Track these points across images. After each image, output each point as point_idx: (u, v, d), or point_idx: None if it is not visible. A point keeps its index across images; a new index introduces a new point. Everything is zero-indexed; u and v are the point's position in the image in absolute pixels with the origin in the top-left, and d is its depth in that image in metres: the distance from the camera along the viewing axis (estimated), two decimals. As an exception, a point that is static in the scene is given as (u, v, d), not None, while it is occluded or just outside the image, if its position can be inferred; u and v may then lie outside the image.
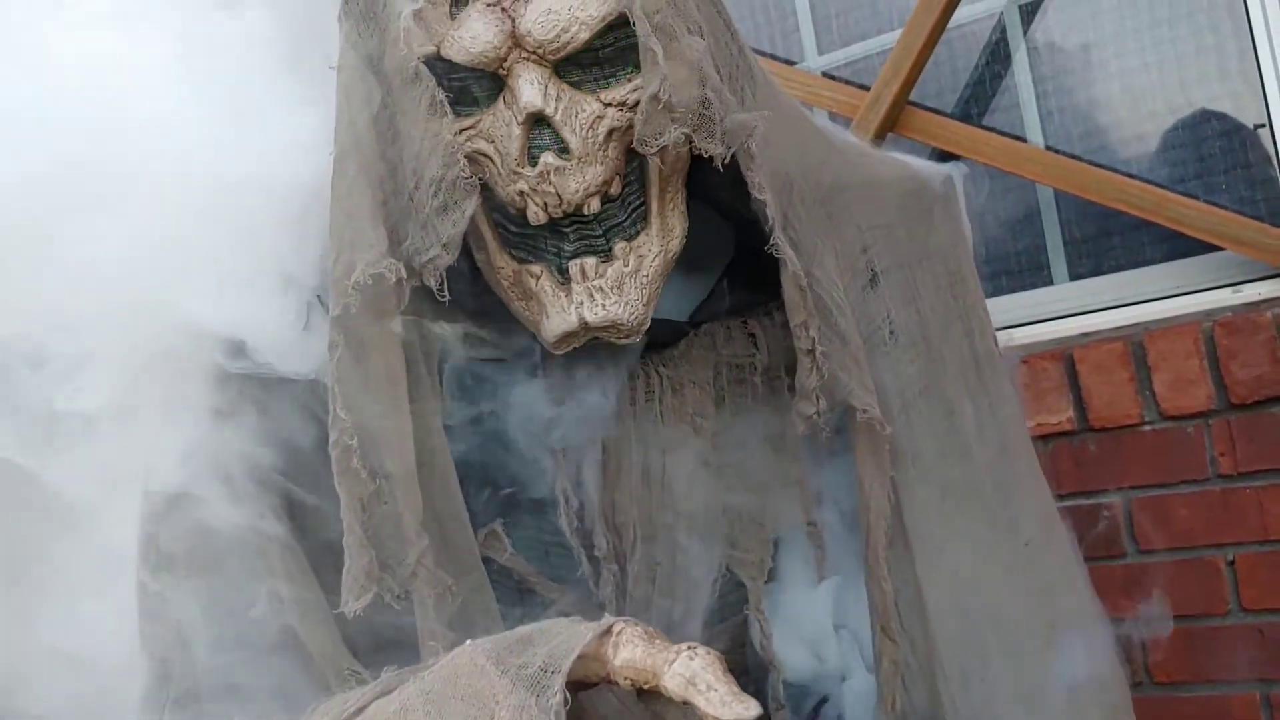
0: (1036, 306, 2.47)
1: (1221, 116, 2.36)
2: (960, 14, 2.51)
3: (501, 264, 1.07)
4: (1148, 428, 2.24)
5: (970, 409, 1.20)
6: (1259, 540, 2.16)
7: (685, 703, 0.85)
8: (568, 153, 1.01)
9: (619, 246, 1.05)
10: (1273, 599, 2.15)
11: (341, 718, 0.94)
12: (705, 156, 1.04)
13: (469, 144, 1.03)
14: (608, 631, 0.89)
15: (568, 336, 1.05)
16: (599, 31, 1.00)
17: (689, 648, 0.86)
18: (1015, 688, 1.15)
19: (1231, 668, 2.19)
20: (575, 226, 1.04)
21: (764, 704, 1.14)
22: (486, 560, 1.10)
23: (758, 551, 1.18)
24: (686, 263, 1.12)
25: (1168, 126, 2.42)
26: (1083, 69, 2.51)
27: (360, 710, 0.94)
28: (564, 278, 1.05)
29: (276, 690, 1.02)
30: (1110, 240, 2.47)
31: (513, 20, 1.00)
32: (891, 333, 1.17)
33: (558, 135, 1.01)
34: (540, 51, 1.00)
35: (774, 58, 2.75)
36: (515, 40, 1.00)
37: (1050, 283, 2.53)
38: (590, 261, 1.04)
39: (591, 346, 1.08)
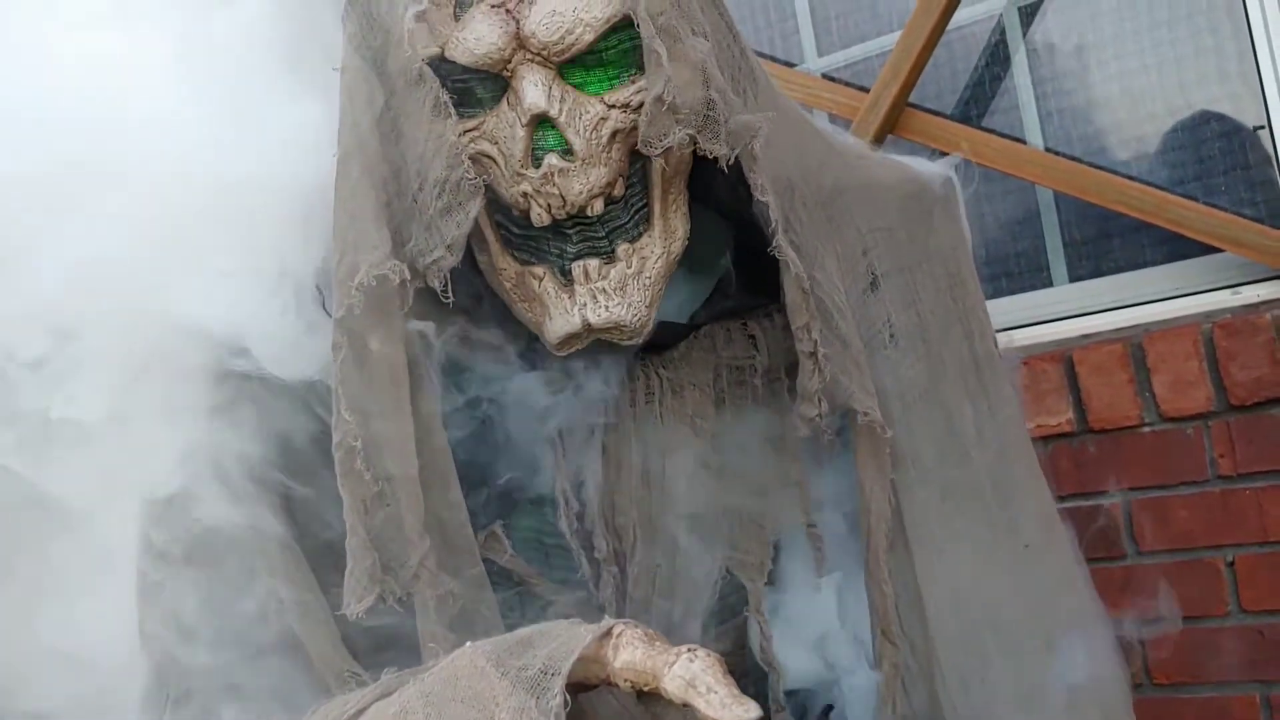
0: (1036, 308, 2.48)
1: (1221, 118, 2.37)
2: (960, 16, 2.51)
3: (504, 265, 1.07)
4: (1147, 429, 2.24)
5: (970, 411, 1.20)
6: (1259, 541, 2.16)
7: (685, 705, 0.85)
8: (571, 154, 1.01)
9: (622, 248, 1.05)
10: (1272, 600, 2.15)
11: (341, 719, 0.94)
12: (709, 158, 1.04)
13: (472, 145, 1.03)
14: (608, 633, 0.89)
15: (571, 338, 1.05)
16: (603, 33, 1.00)
17: (689, 650, 0.86)
18: (1015, 690, 1.15)
19: (1231, 669, 2.19)
20: (578, 228, 1.04)
21: (764, 706, 1.14)
22: (486, 562, 1.10)
23: (758, 553, 1.18)
24: (686, 265, 1.12)
25: (1167, 128, 2.43)
26: (1082, 71, 2.51)
27: (360, 712, 0.94)
28: (567, 279, 1.05)
29: (276, 691, 1.02)
30: (1110, 242, 2.47)
31: (517, 22, 1.00)
32: (892, 336, 1.17)
33: (561, 137, 1.01)
34: (544, 53, 1.00)
35: (774, 59, 2.75)
36: (519, 42, 1.00)
37: (1050, 284, 2.53)
38: (593, 263, 1.04)
39: (591, 348, 1.08)
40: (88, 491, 1.09)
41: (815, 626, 1.17)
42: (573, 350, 1.07)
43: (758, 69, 1.11)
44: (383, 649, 1.03)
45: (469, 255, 1.07)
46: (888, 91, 2.48)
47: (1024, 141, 2.54)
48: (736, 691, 0.84)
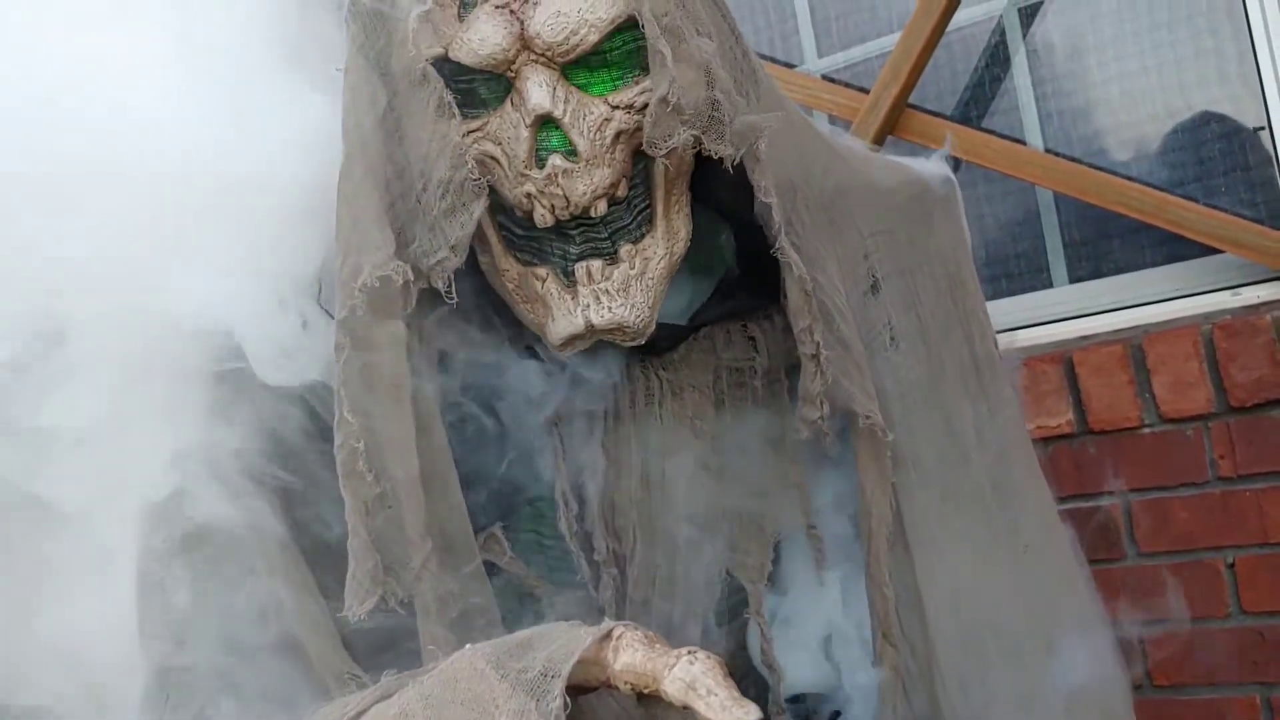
0: (1036, 309, 2.48)
1: (1221, 119, 2.36)
2: (959, 17, 2.51)
3: (506, 266, 1.07)
4: (1147, 430, 2.24)
5: (970, 413, 1.20)
6: (1259, 543, 2.16)
7: (685, 707, 0.85)
8: (575, 155, 1.01)
9: (625, 249, 1.05)
10: (1273, 601, 2.15)
11: (341, 721, 0.94)
12: (715, 159, 1.04)
13: (475, 146, 1.03)
14: (608, 636, 0.89)
15: (574, 339, 1.05)
16: (607, 34, 1.00)
17: (689, 652, 0.86)
18: (1015, 692, 1.15)
19: (1232, 670, 2.19)
20: (581, 229, 1.04)
21: (764, 708, 1.14)
22: (486, 563, 1.10)
23: (758, 555, 1.18)
24: (687, 266, 1.12)
25: (1167, 129, 2.43)
26: (1082, 72, 2.51)
27: (360, 714, 0.94)
28: (570, 280, 1.05)
29: (276, 693, 1.01)
30: (1110, 243, 2.47)
31: (521, 22, 1.00)
32: (892, 338, 1.17)
33: (565, 138, 1.01)
34: (549, 54, 1.00)
35: (774, 60, 2.75)
36: (524, 42, 1.00)
37: (1050, 285, 2.53)
38: (596, 264, 1.04)
39: (592, 349, 1.08)
40: (85, 491, 1.08)
41: (816, 628, 1.17)
42: (575, 351, 1.07)
43: (760, 70, 1.11)
44: (382, 650, 1.03)
45: (470, 256, 1.07)
46: (888, 93, 2.48)
47: (1024, 142, 2.53)
48: (737, 694, 0.84)
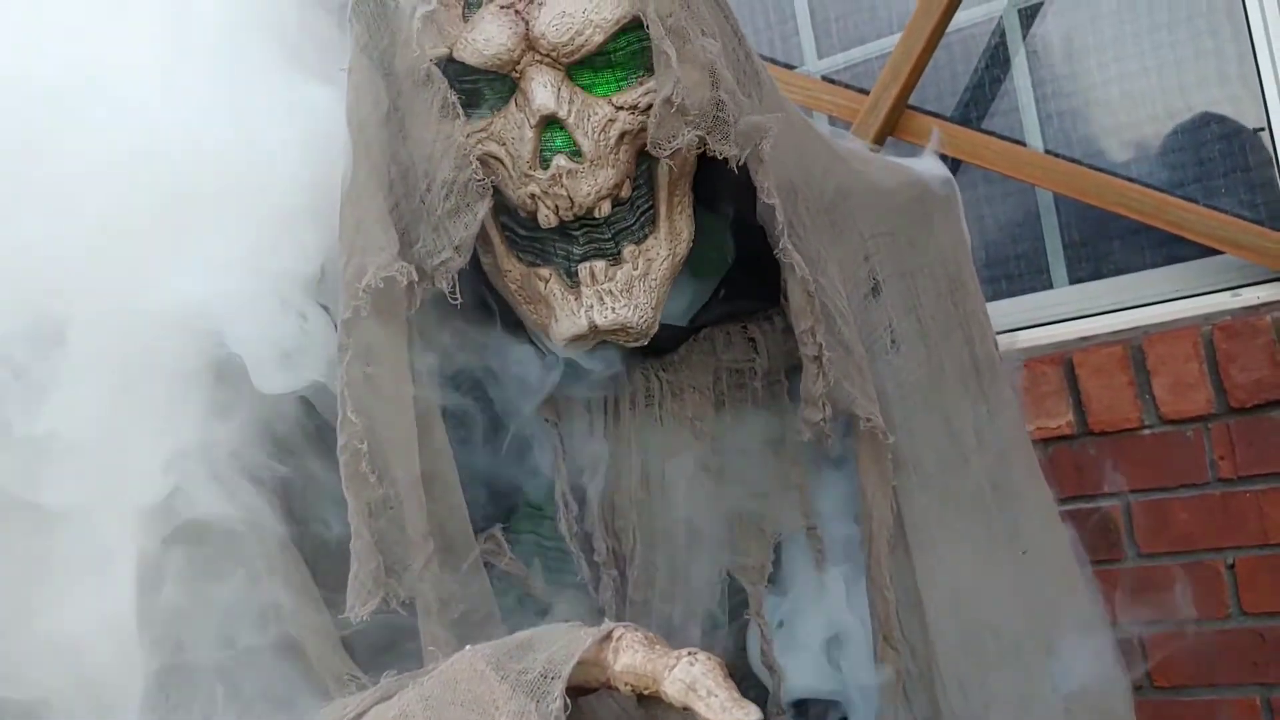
0: (1036, 310, 2.48)
1: (1221, 120, 2.37)
2: (959, 18, 2.51)
3: (509, 267, 1.07)
4: (1147, 431, 2.24)
5: (970, 416, 1.20)
6: (1259, 544, 2.16)
7: (686, 708, 0.85)
8: (580, 156, 1.01)
9: (628, 250, 1.05)
10: (1273, 602, 2.15)
11: (341, 723, 0.94)
12: (715, 160, 1.04)
13: (479, 146, 1.03)
14: (608, 637, 0.88)
15: (577, 340, 1.05)
16: (612, 35, 1.00)
17: (689, 653, 0.86)
18: (1014, 695, 1.15)
19: (1232, 671, 2.19)
20: (584, 230, 1.04)
21: (764, 710, 1.14)
22: (486, 565, 1.10)
23: (758, 556, 1.18)
24: (687, 268, 1.12)
25: (1167, 130, 2.43)
26: (1082, 73, 2.52)
27: (360, 715, 0.94)
28: (573, 281, 1.05)
29: (276, 694, 1.01)
30: (1110, 244, 2.47)
31: (526, 23, 1.00)
32: (893, 341, 1.17)
33: (570, 138, 1.01)
34: (554, 54, 1.00)
35: (773, 62, 2.75)
36: (529, 43, 1.00)
37: (1050, 286, 2.53)
38: (599, 265, 1.04)
39: (591, 350, 1.08)
40: (83, 490, 1.08)
41: (816, 630, 1.17)
42: (578, 352, 1.07)
43: (762, 71, 1.11)
44: (382, 651, 1.03)
45: (472, 257, 1.07)
46: (887, 94, 2.48)
47: (1024, 144, 2.54)
48: (737, 695, 0.84)
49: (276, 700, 1.01)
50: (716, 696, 0.83)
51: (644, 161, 1.05)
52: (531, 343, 1.12)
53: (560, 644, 0.88)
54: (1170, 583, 2.19)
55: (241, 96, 1.07)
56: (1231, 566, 2.19)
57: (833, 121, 2.62)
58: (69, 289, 1.05)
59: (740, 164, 1.04)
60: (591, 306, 1.03)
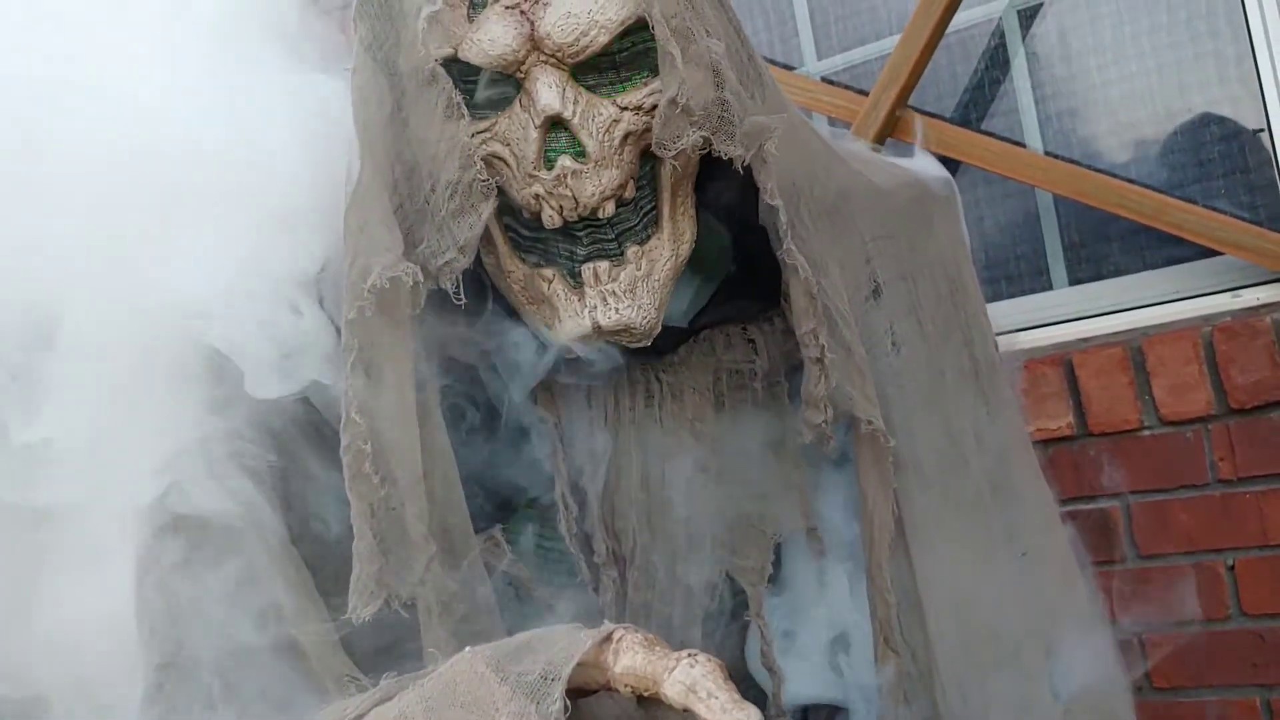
0: (1036, 311, 2.48)
1: (1221, 121, 2.37)
2: (959, 19, 2.51)
3: (512, 268, 1.07)
4: (1147, 433, 2.24)
5: (970, 419, 1.19)
6: (1259, 545, 2.16)
7: (686, 710, 0.84)
8: (584, 156, 1.01)
9: (631, 250, 1.05)
10: (1273, 604, 2.15)
11: (340, 724, 0.94)
12: (715, 162, 1.04)
13: (483, 147, 1.03)
14: (608, 638, 0.88)
15: (580, 340, 1.05)
16: (617, 35, 1.00)
17: (689, 655, 0.86)
18: (1014, 697, 1.14)
19: (1232, 672, 2.19)
20: (588, 230, 1.04)
21: (764, 711, 1.14)
22: (486, 566, 1.10)
23: (758, 558, 1.18)
24: (687, 269, 1.11)
25: (1167, 131, 2.43)
26: (1081, 74, 2.52)
27: (359, 717, 0.94)
28: (576, 282, 1.05)
29: (276, 695, 1.01)
30: (1109, 245, 2.47)
31: (531, 23, 1.00)
32: (894, 344, 1.16)
33: (575, 139, 1.01)
34: (559, 55, 1.00)
35: (773, 63, 2.75)
36: (534, 43, 1.00)
37: (1049, 288, 2.53)
38: (603, 265, 1.04)
39: (591, 351, 1.08)
40: (81, 490, 1.08)
41: (816, 632, 1.17)
42: (580, 353, 1.07)
43: (765, 72, 1.11)
44: (382, 653, 1.03)
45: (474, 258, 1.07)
46: (887, 95, 2.48)
47: (1023, 145, 2.54)
48: (737, 696, 0.83)
49: (276, 701, 1.01)
50: (717, 698, 0.83)
51: (647, 162, 1.05)
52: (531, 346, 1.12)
53: (560, 646, 0.88)
54: (1170, 584, 2.19)
55: (240, 96, 1.07)
56: (1231, 568, 2.19)
57: (832, 122, 2.62)
58: (65, 288, 1.05)
59: (744, 165, 1.04)
60: (595, 307, 1.03)
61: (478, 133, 1.02)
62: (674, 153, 1.02)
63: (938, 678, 1.12)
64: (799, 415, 1.10)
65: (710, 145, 1.02)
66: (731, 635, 1.18)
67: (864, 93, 2.59)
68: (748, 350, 1.18)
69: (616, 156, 1.02)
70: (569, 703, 0.85)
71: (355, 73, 1.05)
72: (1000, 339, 1.30)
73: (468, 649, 0.92)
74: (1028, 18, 2.56)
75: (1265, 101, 2.27)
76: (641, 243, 1.05)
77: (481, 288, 1.10)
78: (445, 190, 1.02)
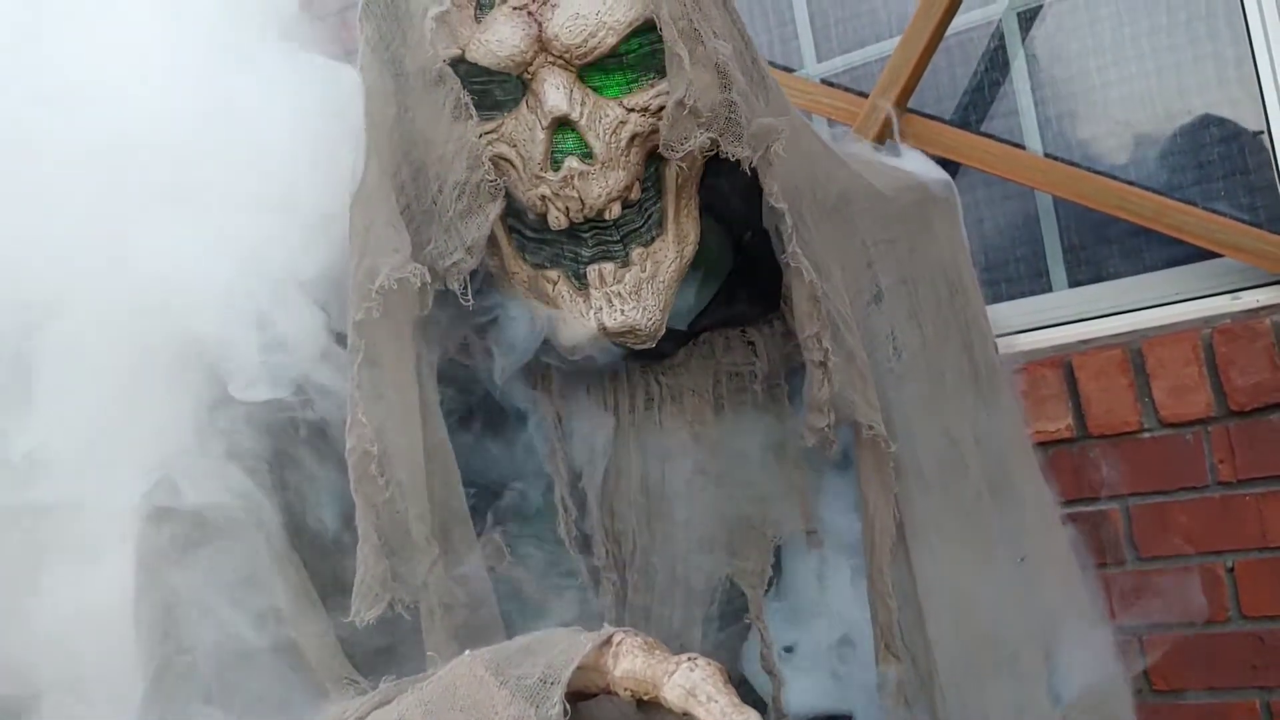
0: (1035, 313, 2.48)
1: (1220, 123, 2.37)
2: (958, 21, 2.51)
3: (516, 269, 1.07)
4: (1147, 435, 2.24)
5: (969, 423, 1.19)
6: (1258, 547, 2.16)
7: (685, 714, 0.84)
8: (591, 158, 1.01)
9: (636, 252, 1.05)
10: (1272, 606, 2.15)
11: (339, 727, 0.94)
12: (721, 163, 1.04)
13: (489, 148, 1.02)
14: (607, 642, 0.88)
15: (585, 342, 1.05)
16: (624, 37, 1.00)
17: (689, 659, 0.86)
18: (1014, 701, 1.14)
19: (1231, 674, 2.19)
20: (593, 232, 1.04)
21: (764, 715, 1.14)
22: (486, 569, 1.09)
23: (758, 560, 1.17)
24: (688, 271, 1.11)
25: (1166, 133, 2.43)
26: (1081, 76, 2.52)
27: (358, 720, 0.94)
28: (581, 283, 1.05)
29: (274, 698, 1.01)
30: (1109, 247, 2.47)
31: (539, 24, 1.00)
32: (895, 349, 1.16)
33: (581, 140, 1.01)
34: (567, 56, 1.00)
35: (773, 65, 2.75)
36: (541, 44, 1.00)
37: (1049, 289, 2.53)
38: (608, 267, 1.04)
39: (591, 353, 1.08)
40: (78, 490, 1.08)
41: (820, 641, 1.17)
42: (584, 355, 1.07)
43: (768, 75, 1.11)
44: (381, 655, 1.03)
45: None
46: (887, 97, 2.48)
47: (1023, 147, 2.54)
48: (737, 700, 0.83)
49: (275, 702, 1.01)
50: (717, 702, 0.83)
51: (652, 164, 1.05)
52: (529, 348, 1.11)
53: (560, 649, 0.88)
54: (1170, 586, 2.19)
55: (240, 95, 1.07)
56: (1231, 570, 2.19)
57: (832, 124, 2.62)
58: (61, 287, 1.05)
59: (754, 165, 1.04)
60: (600, 309, 1.03)
61: (484, 134, 1.02)
62: (681, 154, 1.02)
63: (937, 682, 1.12)
64: (799, 418, 1.10)
65: (718, 147, 1.02)
66: (731, 638, 1.18)
67: (864, 95, 2.59)
68: (747, 353, 1.18)
69: (623, 158, 1.02)
70: (568, 706, 0.85)
71: (361, 72, 1.05)
72: (1000, 341, 1.30)
73: (467, 652, 0.92)
74: (1027, 20, 2.56)
75: (1265, 104, 2.27)
76: (646, 244, 1.05)
77: (482, 289, 1.10)
78: (453, 191, 1.02)
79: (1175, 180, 2.40)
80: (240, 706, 1.01)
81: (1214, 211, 2.30)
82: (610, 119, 1.01)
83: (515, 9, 1.00)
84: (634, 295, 1.04)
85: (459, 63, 1.02)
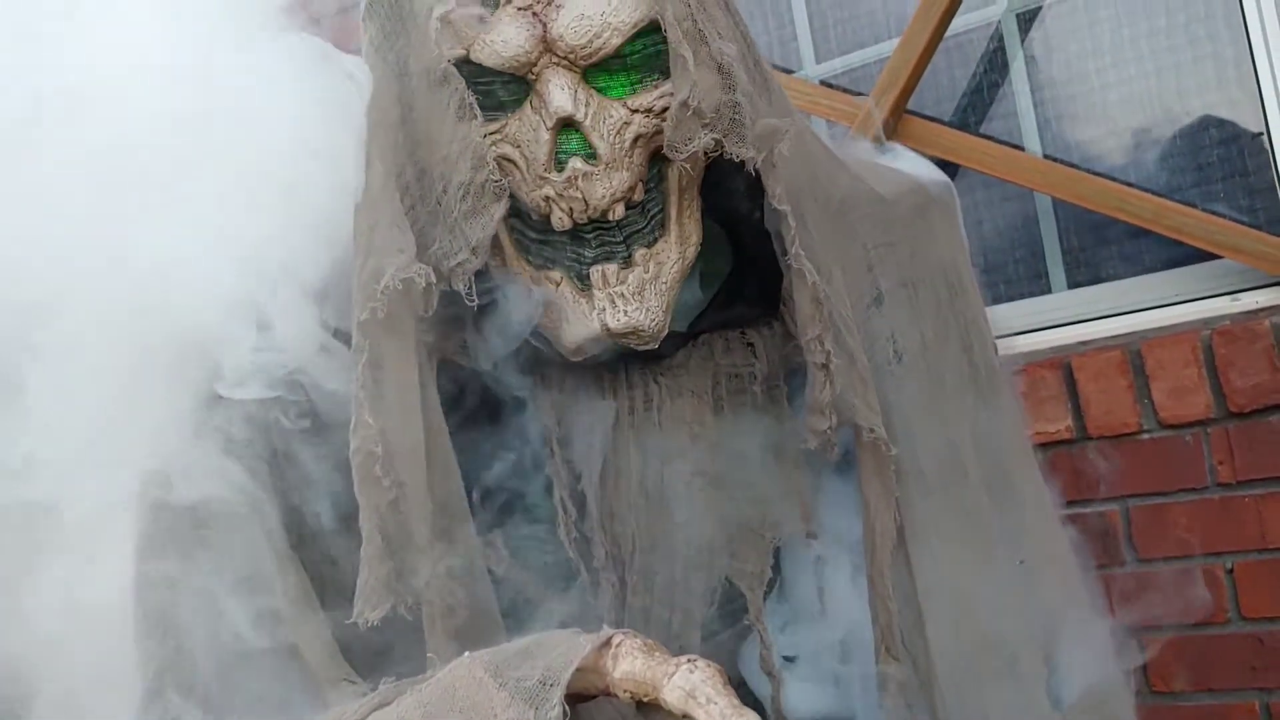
0: (1035, 315, 2.48)
1: (1220, 124, 2.37)
2: (958, 23, 2.51)
3: (518, 270, 1.07)
4: (1146, 436, 2.24)
5: (969, 425, 1.19)
6: (1258, 549, 2.16)
7: (685, 716, 0.84)
8: (595, 159, 1.01)
9: (639, 253, 1.05)
10: (1272, 607, 2.15)
11: (339, 728, 0.94)
12: (722, 165, 1.04)
13: (493, 148, 1.03)
14: (607, 643, 0.88)
15: (588, 343, 1.05)
16: (629, 37, 1.00)
17: (689, 660, 0.86)
18: (1014, 705, 1.14)
19: (1231, 676, 2.19)
20: (596, 233, 1.04)
21: (764, 717, 1.14)
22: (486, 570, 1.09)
23: (757, 562, 1.17)
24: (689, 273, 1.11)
25: (1166, 135, 2.43)
26: (1080, 77, 2.52)
27: (358, 722, 0.94)
28: (584, 284, 1.05)
29: (273, 699, 1.01)
30: (1108, 248, 2.47)
31: (544, 25, 1.00)
32: (895, 352, 1.16)
33: (585, 141, 1.01)
34: (571, 57, 1.00)
35: (772, 66, 2.75)
36: (546, 45, 1.00)
37: (1048, 291, 2.53)
38: (611, 268, 1.04)
39: (590, 355, 1.08)
40: (76, 489, 1.08)
41: (820, 645, 1.17)
42: (587, 355, 1.07)
43: (771, 77, 1.11)
44: (381, 656, 1.03)
45: None
46: (886, 98, 2.48)
47: (1022, 148, 2.54)
48: (736, 702, 0.83)
49: (274, 705, 1.01)
50: (716, 704, 0.83)
51: (655, 165, 1.05)
52: (530, 349, 1.11)
53: (559, 651, 0.88)
54: (1169, 587, 2.18)
55: (239, 94, 1.07)
56: (1230, 571, 2.19)
57: (831, 126, 2.62)
58: (59, 286, 1.05)
59: (746, 169, 1.03)
60: (604, 309, 1.04)
61: (487, 134, 1.02)
62: (685, 155, 1.02)
63: (937, 683, 1.12)
64: (798, 419, 1.10)
65: (722, 148, 1.02)
66: (730, 640, 1.18)
67: (863, 96, 2.59)
68: (746, 354, 1.18)
69: (627, 159, 1.02)
70: (568, 708, 0.85)
71: (365, 73, 1.05)
72: (999, 342, 1.30)
73: (466, 654, 0.92)
74: (1026, 21, 2.56)
75: (1264, 105, 2.27)
76: (649, 245, 1.05)
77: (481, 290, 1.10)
78: (457, 191, 1.02)
79: (1174, 182, 2.40)
80: (240, 707, 1.01)
81: (1213, 213, 2.31)
82: (614, 120, 1.02)
83: (520, 10, 1.00)
84: (637, 296, 1.04)
85: (463, 63, 1.02)
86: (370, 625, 0.99)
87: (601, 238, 1.04)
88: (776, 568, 1.19)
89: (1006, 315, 2.46)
